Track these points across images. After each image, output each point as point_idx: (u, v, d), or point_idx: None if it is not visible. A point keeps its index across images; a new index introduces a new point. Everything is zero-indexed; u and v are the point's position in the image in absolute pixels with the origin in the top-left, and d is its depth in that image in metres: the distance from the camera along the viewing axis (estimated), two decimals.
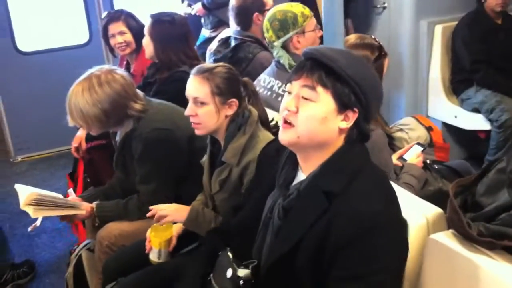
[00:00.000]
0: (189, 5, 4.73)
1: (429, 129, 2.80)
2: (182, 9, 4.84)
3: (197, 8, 4.59)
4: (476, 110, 3.76)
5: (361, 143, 1.53)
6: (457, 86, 3.90)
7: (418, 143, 2.47)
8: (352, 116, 1.46)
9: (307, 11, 2.73)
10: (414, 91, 4.17)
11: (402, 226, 1.46)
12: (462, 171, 2.48)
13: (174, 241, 2.20)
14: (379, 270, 1.37)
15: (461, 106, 3.87)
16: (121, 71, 2.41)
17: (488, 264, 1.40)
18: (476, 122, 3.76)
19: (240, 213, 1.85)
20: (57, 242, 3.59)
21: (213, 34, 4.36)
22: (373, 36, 2.29)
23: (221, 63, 2.16)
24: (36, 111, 4.87)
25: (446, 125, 4.04)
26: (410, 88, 4.18)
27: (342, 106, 1.44)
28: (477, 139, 3.93)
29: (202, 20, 4.63)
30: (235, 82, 2.12)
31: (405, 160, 2.39)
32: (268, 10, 2.99)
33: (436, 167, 2.48)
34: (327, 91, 1.43)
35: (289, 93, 1.49)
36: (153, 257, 2.17)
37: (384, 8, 4.24)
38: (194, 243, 2.25)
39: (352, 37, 2.26)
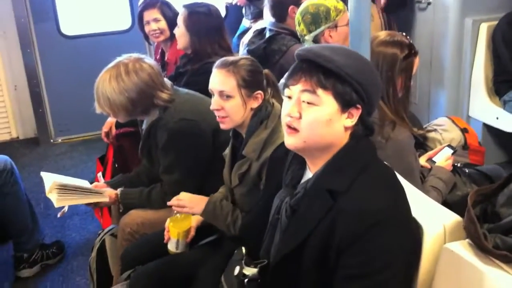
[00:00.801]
0: None
1: (464, 131, 2.72)
2: None
3: None
4: None
5: (366, 137, 1.51)
6: (499, 87, 3.75)
7: (449, 146, 2.40)
8: (356, 113, 1.44)
9: (340, 5, 2.67)
10: (455, 91, 4.03)
11: (409, 224, 1.43)
12: (494, 176, 2.38)
13: (192, 232, 2.21)
14: (384, 268, 1.35)
15: (503, 107, 3.71)
16: (149, 60, 2.41)
17: (501, 278, 1.33)
18: None
19: (249, 214, 1.84)
20: (89, 225, 3.65)
21: (253, 25, 4.33)
22: (403, 34, 2.22)
23: (243, 56, 2.15)
24: (77, 94, 4.89)
25: (487, 127, 3.89)
26: (452, 87, 4.04)
27: (345, 105, 1.42)
28: None
29: (243, 10, 4.60)
30: (259, 74, 2.10)
31: (434, 162, 2.32)
32: None
33: (467, 171, 2.39)
34: (328, 93, 1.41)
35: (289, 97, 1.47)
36: (171, 247, 2.18)
37: (429, 4, 4.11)
38: (213, 235, 2.25)
39: (382, 34, 2.19)
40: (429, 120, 3.71)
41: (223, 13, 5.17)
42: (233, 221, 2.08)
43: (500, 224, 1.41)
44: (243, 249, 1.65)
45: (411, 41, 2.16)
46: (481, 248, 1.40)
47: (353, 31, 1.98)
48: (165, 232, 2.20)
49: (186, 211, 2.16)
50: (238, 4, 4.58)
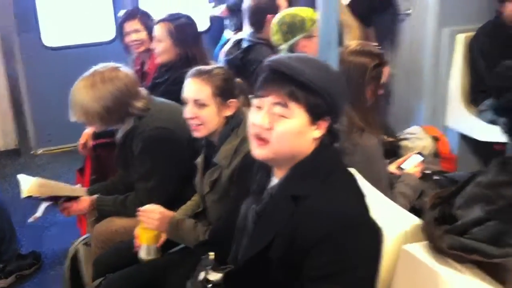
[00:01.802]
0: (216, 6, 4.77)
1: (435, 139, 2.77)
2: (209, 11, 4.89)
3: (222, 9, 4.61)
4: (494, 122, 3.66)
5: (331, 145, 1.53)
6: (475, 97, 3.81)
7: (418, 153, 2.44)
8: (324, 125, 1.47)
9: (316, 15, 2.72)
10: (433, 100, 4.09)
11: (370, 227, 1.45)
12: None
13: (163, 237, 2.19)
14: (347, 271, 1.36)
15: (478, 117, 3.78)
16: (125, 68, 2.43)
17: (454, 278, 1.37)
18: (493, 134, 3.66)
19: (218, 221, 1.86)
20: (67, 235, 3.61)
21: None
22: (374, 44, 2.27)
23: (216, 65, 2.18)
24: (60, 105, 4.88)
25: (463, 136, 3.95)
26: (429, 97, 4.10)
27: (315, 118, 1.45)
28: (494, 151, 3.82)
29: (225, 22, 4.64)
30: (232, 83, 2.14)
31: (402, 169, 2.36)
32: None
33: (436, 178, 2.44)
34: (299, 106, 1.43)
35: (258, 107, 1.48)
36: (143, 254, 2.16)
37: (407, 14, 4.18)
38: None
39: (353, 44, 2.24)
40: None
41: (207, 24, 5.24)
42: (197, 237, 2.10)
43: (456, 226, 1.44)
44: (211, 254, 1.67)
45: (381, 51, 2.21)
46: (436, 248, 1.44)
47: (322, 40, 2.01)
48: (135, 239, 2.20)
49: (150, 226, 2.14)
50: (221, 15, 4.63)
